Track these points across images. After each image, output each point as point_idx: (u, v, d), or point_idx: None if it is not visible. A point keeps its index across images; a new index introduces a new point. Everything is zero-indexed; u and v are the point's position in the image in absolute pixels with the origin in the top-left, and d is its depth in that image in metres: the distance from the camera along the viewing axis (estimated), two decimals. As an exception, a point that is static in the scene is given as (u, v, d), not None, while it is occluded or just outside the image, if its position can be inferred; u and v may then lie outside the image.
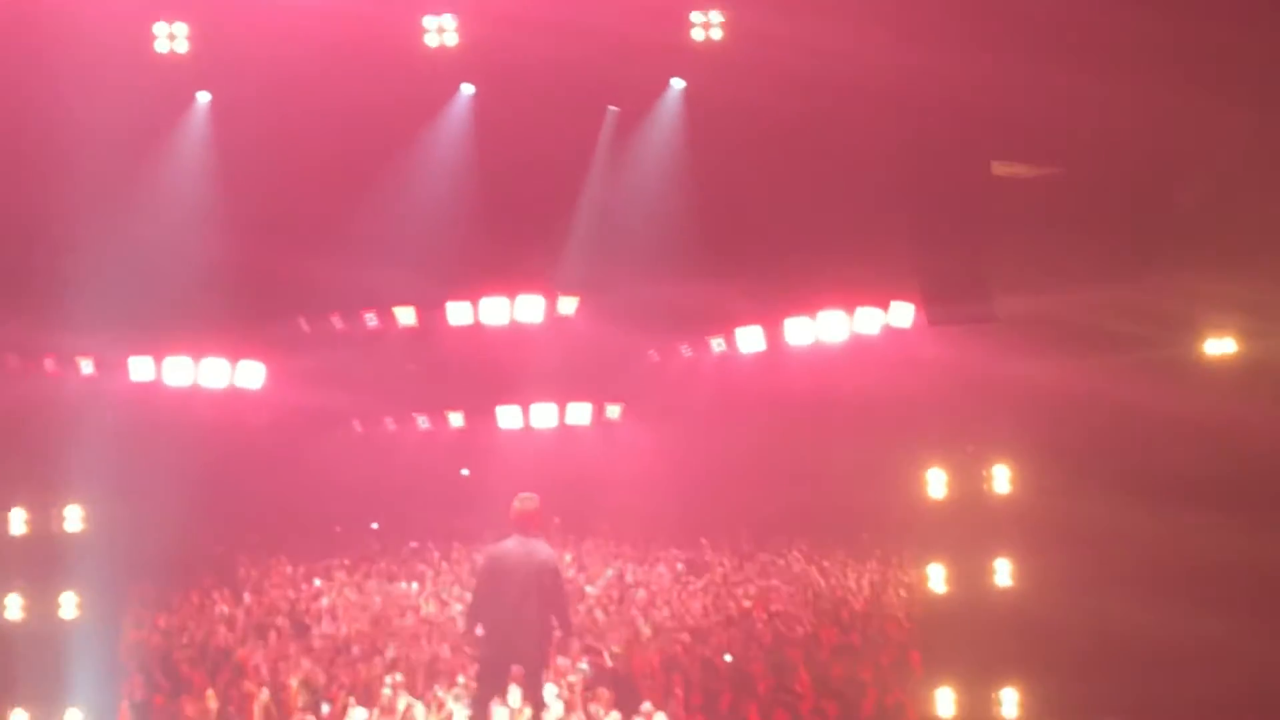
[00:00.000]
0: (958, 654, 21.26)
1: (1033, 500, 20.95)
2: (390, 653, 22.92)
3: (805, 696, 21.96)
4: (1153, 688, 20.06)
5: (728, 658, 22.37)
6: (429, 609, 23.50)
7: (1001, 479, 21.22)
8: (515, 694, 22.00)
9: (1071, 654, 20.50)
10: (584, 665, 22.36)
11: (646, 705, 22.05)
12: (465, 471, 23.64)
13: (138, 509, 22.53)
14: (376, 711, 22.38)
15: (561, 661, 22.37)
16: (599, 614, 23.16)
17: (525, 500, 21.91)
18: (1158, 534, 20.12)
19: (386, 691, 22.38)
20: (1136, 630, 20.04)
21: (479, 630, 22.31)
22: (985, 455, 21.34)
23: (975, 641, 21.18)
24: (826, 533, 22.52)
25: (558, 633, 21.30)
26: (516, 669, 21.69)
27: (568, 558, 23.14)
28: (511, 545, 21.82)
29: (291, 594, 23.75)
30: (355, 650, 23.04)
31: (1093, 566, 20.37)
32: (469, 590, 23.25)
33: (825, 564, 22.67)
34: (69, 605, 22.74)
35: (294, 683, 22.75)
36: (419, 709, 22.27)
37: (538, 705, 21.78)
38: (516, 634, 21.83)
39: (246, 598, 23.77)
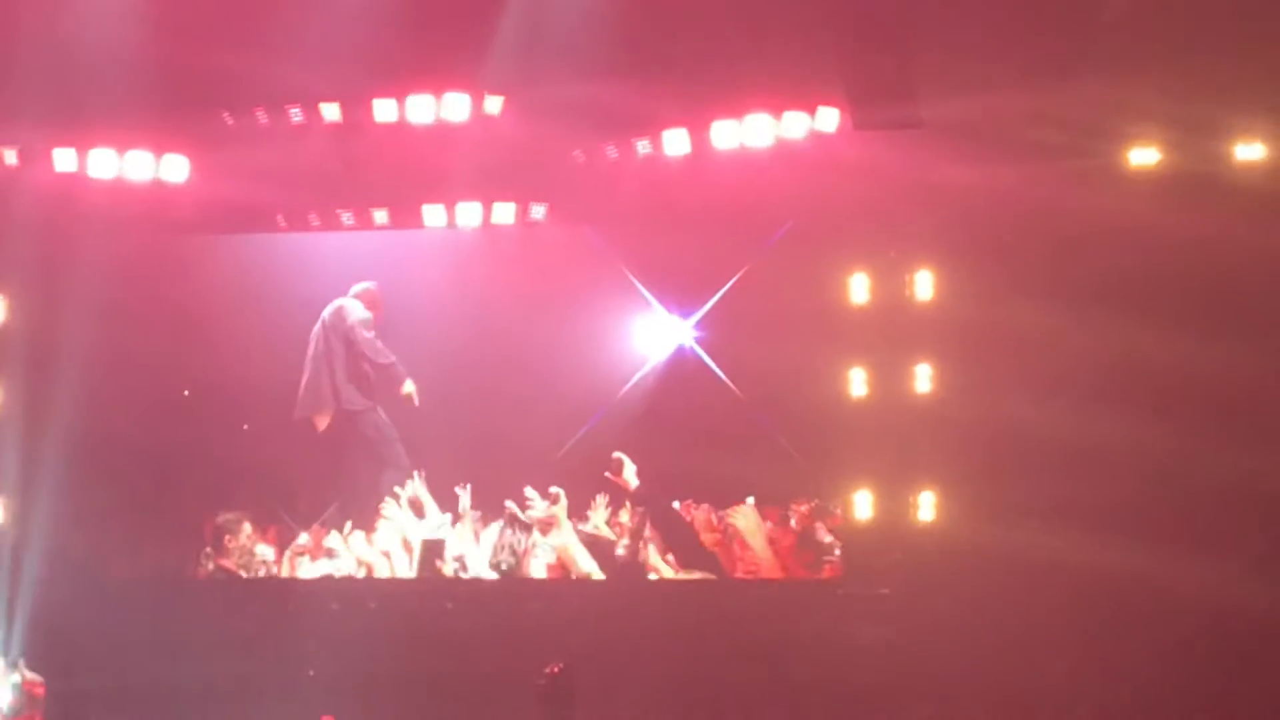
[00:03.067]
0: (876, 457, 21.53)
1: (955, 306, 21.16)
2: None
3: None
4: (1070, 492, 20.35)
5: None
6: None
7: (924, 284, 21.40)
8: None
9: (989, 458, 20.79)
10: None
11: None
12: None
13: (61, 300, 22.52)
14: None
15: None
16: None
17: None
18: (1079, 340, 20.35)
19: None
20: (1055, 435, 20.29)
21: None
22: (908, 261, 21.50)
23: (894, 445, 21.44)
24: (748, 337, 22.52)
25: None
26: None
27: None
28: None
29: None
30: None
31: (1013, 372, 20.62)
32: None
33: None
34: (-9, 396, 22.90)
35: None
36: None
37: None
38: None
39: (186, 392, 23.92)
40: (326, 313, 23.79)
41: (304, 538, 23.22)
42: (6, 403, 23.04)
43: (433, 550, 22.63)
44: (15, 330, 23.14)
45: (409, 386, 23.54)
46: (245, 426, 24.01)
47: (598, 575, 22.27)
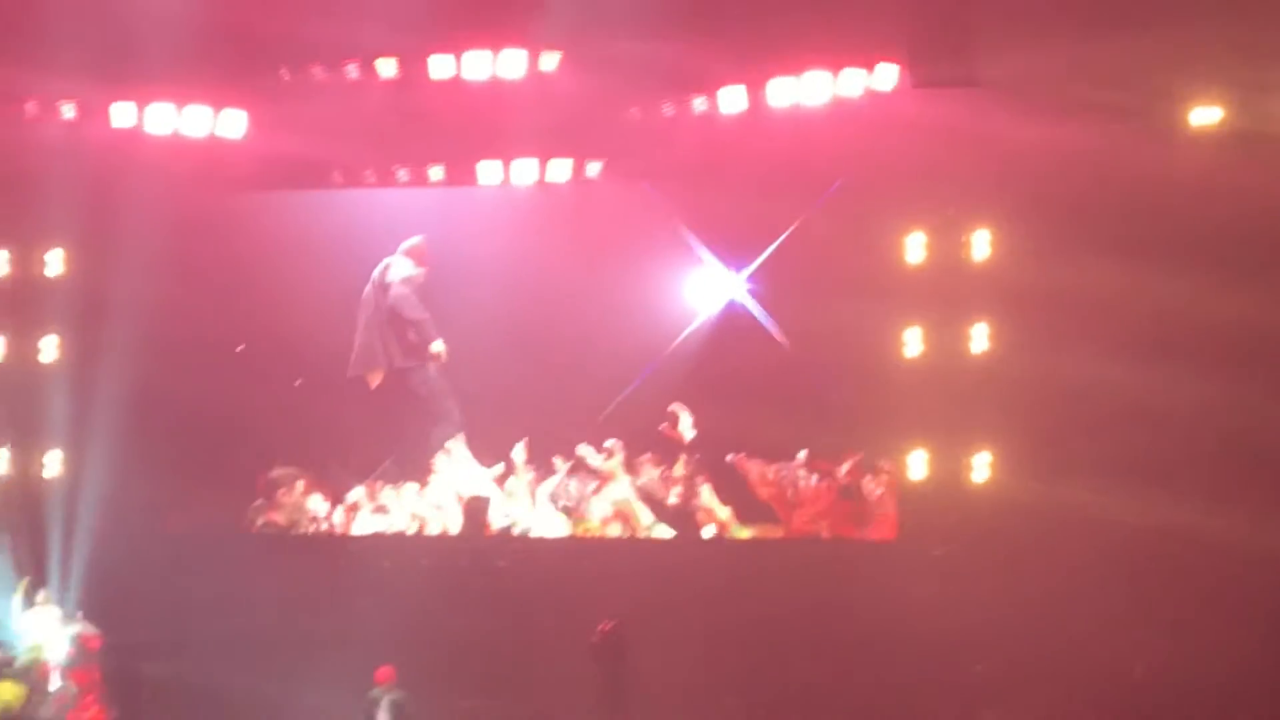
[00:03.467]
0: (931, 417, 21.47)
1: (1012, 265, 21.08)
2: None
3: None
4: (1130, 452, 20.27)
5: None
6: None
7: (981, 243, 21.30)
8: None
9: (1047, 418, 20.69)
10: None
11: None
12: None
13: (117, 255, 22.57)
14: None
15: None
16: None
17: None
18: (1139, 298, 20.28)
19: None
20: (1115, 394, 20.20)
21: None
22: (966, 219, 21.40)
23: (950, 405, 21.37)
24: (802, 295, 22.37)
25: None
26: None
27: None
28: None
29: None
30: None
31: (1072, 331, 20.55)
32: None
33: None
34: (49, 348, 22.91)
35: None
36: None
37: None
38: None
39: (240, 348, 23.98)
40: (376, 271, 23.80)
41: (357, 492, 23.27)
42: (62, 356, 23.09)
43: (477, 508, 22.69)
44: (71, 283, 23.20)
45: (438, 345, 23.56)
46: (298, 382, 24.00)
47: (658, 526, 22.35)
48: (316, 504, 23.40)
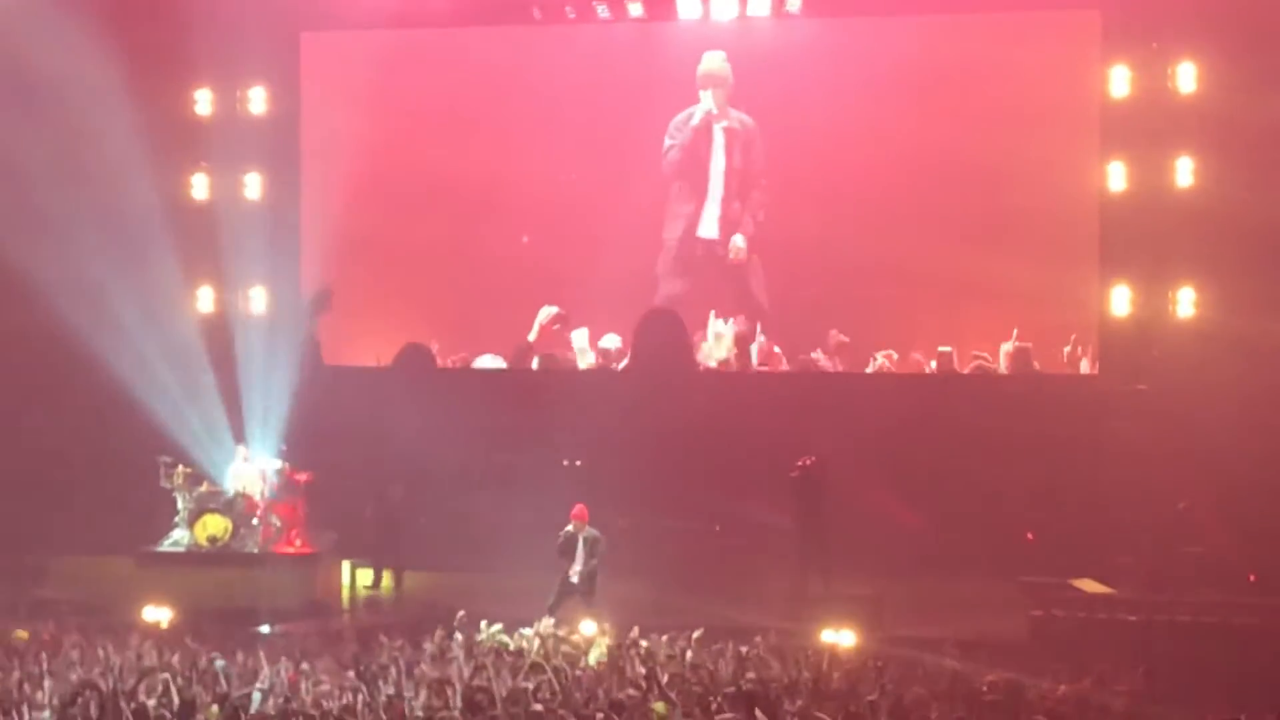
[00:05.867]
0: (1134, 253, 21.27)
1: (1219, 98, 20.73)
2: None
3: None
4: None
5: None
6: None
7: (1187, 76, 20.96)
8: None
9: (1252, 253, 20.43)
10: None
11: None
12: None
13: (319, 95, 22.72)
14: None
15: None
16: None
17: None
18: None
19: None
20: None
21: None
22: (1170, 52, 21.07)
23: (1153, 240, 21.16)
24: (1004, 137, 22.00)
25: None
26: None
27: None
28: None
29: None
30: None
31: (1276, 164, 20.15)
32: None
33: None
34: (254, 186, 23.13)
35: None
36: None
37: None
38: None
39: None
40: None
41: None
42: (265, 194, 23.27)
43: None
44: (276, 123, 23.34)
45: None
46: (525, 239, 23.67)
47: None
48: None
